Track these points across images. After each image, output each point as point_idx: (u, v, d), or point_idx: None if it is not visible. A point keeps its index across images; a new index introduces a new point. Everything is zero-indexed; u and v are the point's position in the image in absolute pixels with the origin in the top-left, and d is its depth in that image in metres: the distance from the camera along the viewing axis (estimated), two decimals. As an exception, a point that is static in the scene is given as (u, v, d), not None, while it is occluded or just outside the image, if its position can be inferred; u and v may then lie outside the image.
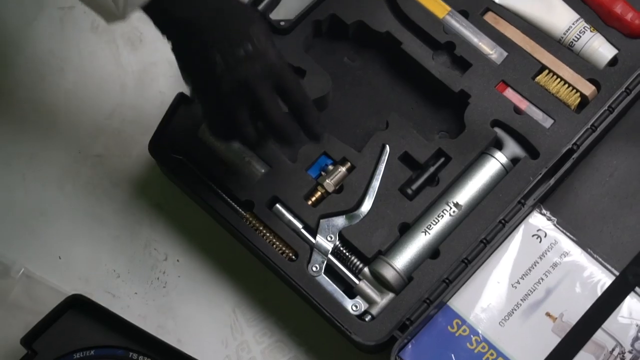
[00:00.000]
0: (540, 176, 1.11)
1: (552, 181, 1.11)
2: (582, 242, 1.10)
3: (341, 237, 1.11)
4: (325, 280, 1.09)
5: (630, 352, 1.05)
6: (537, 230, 1.11)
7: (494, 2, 1.20)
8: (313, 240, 1.10)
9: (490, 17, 1.20)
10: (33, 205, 1.22)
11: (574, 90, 1.15)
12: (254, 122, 1.00)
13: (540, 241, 1.10)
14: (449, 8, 1.19)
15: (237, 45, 0.96)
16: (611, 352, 1.05)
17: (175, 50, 1.00)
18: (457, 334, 1.08)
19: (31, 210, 1.21)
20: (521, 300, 1.08)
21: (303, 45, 1.19)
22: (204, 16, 0.97)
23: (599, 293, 1.08)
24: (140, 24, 1.25)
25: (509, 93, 1.15)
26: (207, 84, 0.98)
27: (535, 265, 1.09)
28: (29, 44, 1.29)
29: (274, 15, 1.21)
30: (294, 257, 1.11)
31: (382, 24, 1.19)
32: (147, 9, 0.96)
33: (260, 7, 1.20)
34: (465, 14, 1.19)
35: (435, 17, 1.19)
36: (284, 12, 1.23)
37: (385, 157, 1.13)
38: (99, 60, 1.27)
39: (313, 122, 1.02)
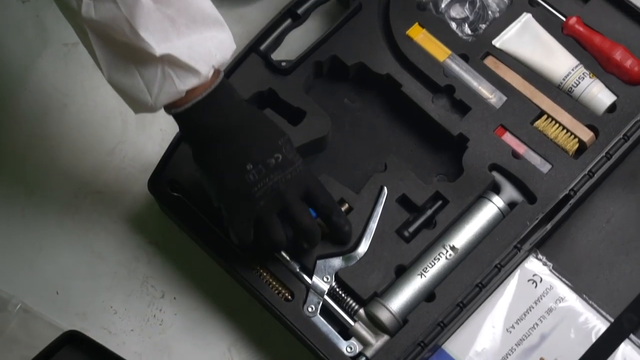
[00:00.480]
0: (537, 221, 1.12)
1: (548, 226, 1.12)
2: (578, 288, 1.11)
3: (337, 278, 1.12)
4: (320, 321, 1.10)
5: (624, 399, 1.06)
6: (533, 275, 1.12)
7: (494, 46, 1.22)
8: (309, 281, 1.12)
9: (490, 62, 1.21)
10: (32, 239, 1.23)
11: (572, 136, 1.16)
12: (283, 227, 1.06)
13: (535, 286, 1.11)
14: (449, 51, 1.21)
15: (268, 155, 1.02)
16: (605, 398, 1.06)
17: (199, 157, 1.05)
18: (451, 378, 1.09)
19: (30, 244, 1.23)
20: (516, 345, 1.09)
21: (304, 85, 1.21)
22: (236, 125, 1.02)
23: (594, 339, 1.08)
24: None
25: (508, 137, 1.17)
26: (238, 191, 1.03)
27: (531, 310, 1.10)
28: (33, 79, 1.31)
29: (276, 56, 1.23)
30: (290, 297, 1.12)
31: (382, 66, 1.21)
32: (177, 114, 1.01)
33: (262, 47, 1.22)
34: (465, 57, 1.21)
35: (435, 60, 1.21)
36: (285, 53, 1.25)
37: (383, 199, 1.14)
38: (101, 96, 1.29)
39: (341, 222, 1.09)
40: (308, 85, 1.23)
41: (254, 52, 1.22)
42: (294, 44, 1.26)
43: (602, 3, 1.24)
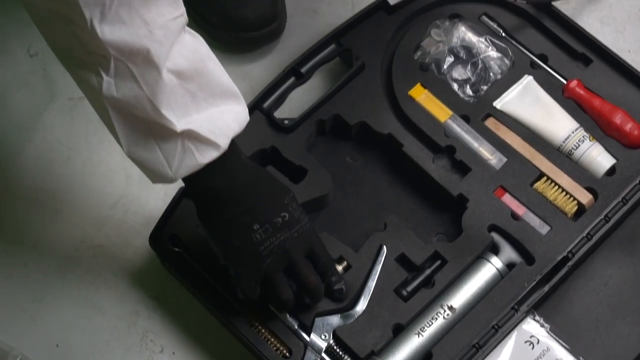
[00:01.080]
0: (534, 283, 1.13)
1: (546, 288, 1.14)
2: (575, 350, 1.12)
3: (335, 336, 1.13)
4: (318, 379, 1.12)
5: None
6: (530, 337, 1.13)
7: (495, 108, 1.24)
8: (307, 338, 1.13)
9: (491, 123, 1.24)
10: (33, 291, 1.25)
11: (572, 198, 1.18)
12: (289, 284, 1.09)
13: (532, 348, 1.13)
14: (451, 112, 1.24)
15: (275, 214, 1.05)
16: None
17: (206, 217, 1.07)
18: None
19: (31, 296, 1.25)
20: (512, 406, 1.10)
21: (306, 143, 1.23)
22: (242, 185, 1.05)
23: (591, 402, 1.10)
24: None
25: (507, 198, 1.19)
26: (244, 251, 1.05)
27: (528, 372, 1.12)
28: (38, 132, 1.34)
29: (279, 113, 1.25)
30: (287, 354, 1.13)
31: (384, 125, 1.24)
32: (188, 182, 1.04)
33: (266, 105, 1.25)
34: (466, 118, 1.24)
35: (437, 121, 1.23)
36: (288, 110, 1.28)
37: (382, 258, 1.16)
38: (105, 150, 1.31)
39: (335, 281, 1.12)
40: (310, 143, 1.25)
41: (257, 109, 1.24)
42: (297, 102, 1.29)
43: (603, 66, 1.27)
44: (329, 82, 1.32)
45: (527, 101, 1.25)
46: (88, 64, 0.94)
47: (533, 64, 1.27)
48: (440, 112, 1.24)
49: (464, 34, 1.28)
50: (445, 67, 1.27)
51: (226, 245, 1.07)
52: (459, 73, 1.28)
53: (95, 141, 1.32)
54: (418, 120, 1.23)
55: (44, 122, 1.35)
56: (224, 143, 1.00)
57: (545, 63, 1.27)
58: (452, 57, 1.27)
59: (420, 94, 1.25)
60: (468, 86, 1.26)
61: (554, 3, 1.30)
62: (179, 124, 0.97)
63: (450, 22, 1.29)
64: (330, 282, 1.11)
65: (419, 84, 1.26)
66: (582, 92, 1.24)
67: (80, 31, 0.91)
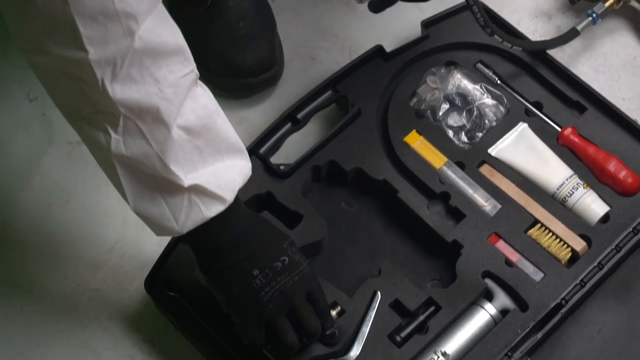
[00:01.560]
0: (528, 329, 1.14)
1: (540, 335, 1.14)
2: (569, 398, 1.13)
3: (329, 381, 1.14)
4: None
5: None
6: (524, 384, 1.14)
7: (490, 154, 1.26)
8: (302, 384, 1.14)
9: (485, 170, 1.26)
10: (29, 335, 1.26)
11: (565, 245, 1.20)
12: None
13: (526, 394, 1.14)
14: (445, 159, 1.26)
15: (274, 259, 1.06)
16: None
17: (206, 265, 1.08)
18: None
19: (27, 340, 1.26)
20: None
21: (301, 189, 1.25)
22: (242, 233, 1.06)
23: None
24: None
25: (501, 245, 1.20)
26: (246, 297, 1.06)
27: (521, 419, 1.12)
28: (37, 176, 1.36)
29: (275, 159, 1.27)
30: (282, 399, 1.14)
31: (379, 171, 1.25)
32: (188, 232, 1.04)
33: (262, 150, 1.27)
34: (461, 165, 1.25)
35: (432, 167, 1.25)
36: (284, 155, 1.29)
37: (376, 304, 1.17)
38: (103, 194, 1.33)
39: (328, 327, 1.12)
40: (306, 188, 1.27)
41: (253, 155, 1.26)
42: (293, 147, 1.30)
43: (597, 114, 1.29)
44: (325, 127, 1.34)
45: (522, 148, 1.26)
46: (96, 121, 0.95)
47: (528, 112, 1.29)
48: (436, 158, 1.26)
49: (460, 81, 1.30)
50: (440, 114, 1.29)
51: (228, 293, 1.08)
52: (455, 120, 1.29)
53: (93, 185, 1.34)
54: (413, 167, 1.25)
55: (43, 166, 1.36)
56: (230, 197, 1.02)
57: (540, 110, 1.29)
58: (448, 104, 1.29)
59: (416, 141, 1.27)
60: (463, 133, 1.28)
61: (548, 51, 1.32)
62: (187, 179, 0.98)
63: (446, 69, 1.31)
64: (324, 327, 1.12)
65: (414, 130, 1.28)
66: (576, 139, 1.26)
67: (89, 90, 0.92)
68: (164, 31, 0.94)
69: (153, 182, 0.99)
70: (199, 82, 1.01)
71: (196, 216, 1.01)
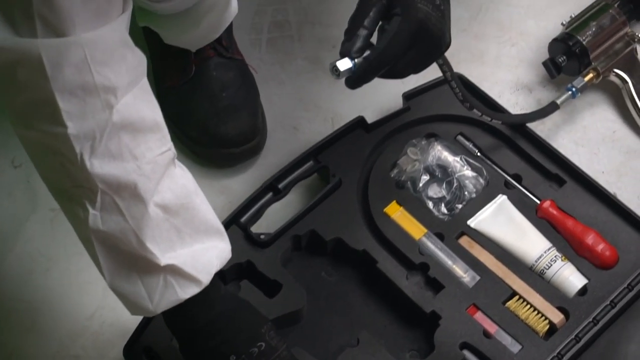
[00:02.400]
0: (505, 401, 1.16)
1: (517, 407, 1.16)
2: None
3: None
4: None
5: None
6: None
7: (469, 226, 1.28)
8: None
9: (465, 241, 1.27)
10: (6, 403, 1.27)
11: (543, 318, 1.21)
12: None
13: None
14: (425, 230, 1.27)
15: (251, 345, 1.06)
16: None
17: (184, 347, 1.09)
18: None
19: (4, 407, 1.27)
20: None
21: (281, 259, 1.27)
22: (220, 316, 1.07)
23: None
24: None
25: (479, 316, 1.22)
26: None
27: None
28: (19, 242, 1.37)
29: (256, 228, 1.29)
30: None
31: (359, 242, 1.27)
32: (166, 312, 1.05)
33: (243, 219, 1.29)
34: (441, 236, 1.27)
35: (411, 238, 1.27)
36: (265, 224, 1.31)
37: (353, 375, 1.18)
38: (84, 261, 1.31)
39: None
40: (286, 258, 1.28)
41: (234, 224, 1.28)
42: (274, 216, 1.32)
43: (576, 187, 1.31)
44: (306, 197, 1.36)
45: (501, 220, 1.28)
46: (75, 196, 0.97)
47: (507, 184, 1.31)
48: (415, 229, 1.28)
49: (440, 153, 1.32)
50: (420, 185, 1.31)
51: None
52: (435, 191, 1.32)
53: (75, 252, 1.35)
54: (393, 237, 1.27)
55: (25, 232, 1.38)
56: (206, 279, 1.03)
57: (520, 183, 1.31)
58: (428, 175, 1.32)
59: (396, 211, 1.29)
60: (443, 204, 1.30)
61: (528, 124, 1.35)
62: (163, 258, 0.99)
63: (426, 141, 1.34)
64: None
65: (394, 201, 1.30)
66: (555, 212, 1.28)
67: (69, 164, 0.94)
68: (143, 106, 0.96)
69: (130, 260, 1.00)
70: (177, 162, 1.03)
71: (171, 297, 1.02)
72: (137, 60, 0.96)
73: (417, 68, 1.15)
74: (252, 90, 1.41)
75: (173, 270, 1.01)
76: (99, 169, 0.94)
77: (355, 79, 1.11)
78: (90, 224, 0.97)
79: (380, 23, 1.11)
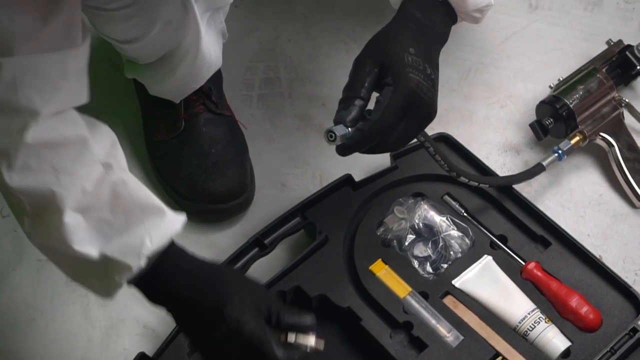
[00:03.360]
0: None
1: None
2: None
3: None
4: None
5: None
6: None
7: (454, 286, 1.29)
8: None
9: (449, 301, 1.28)
10: None
11: (526, 379, 1.22)
12: None
13: None
14: (410, 289, 1.29)
15: (212, 329, 1.06)
16: None
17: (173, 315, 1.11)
18: None
19: None
20: None
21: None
22: (178, 302, 1.08)
23: None
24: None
25: (462, 377, 1.23)
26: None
27: None
28: (5, 292, 1.38)
29: (242, 284, 1.30)
30: None
31: (344, 299, 1.28)
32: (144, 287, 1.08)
33: (235, 268, 1.30)
34: (425, 295, 1.28)
35: (396, 297, 1.28)
36: (258, 272, 1.32)
37: None
38: (69, 312, 1.35)
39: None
40: (271, 313, 1.29)
41: (220, 278, 1.29)
42: (260, 271, 1.33)
43: (561, 249, 1.32)
44: (292, 253, 1.37)
45: (486, 281, 1.29)
46: (15, 207, 1.05)
47: (493, 244, 1.33)
48: (400, 288, 1.29)
49: (426, 212, 1.34)
50: (406, 244, 1.32)
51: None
52: (420, 250, 1.33)
53: (60, 302, 1.36)
54: (377, 295, 1.28)
55: (11, 282, 1.39)
56: (135, 263, 1.04)
57: (505, 244, 1.33)
58: (414, 234, 1.33)
59: (381, 270, 1.30)
60: (428, 264, 1.31)
61: (515, 186, 1.37)
62: (96, 252, 1.04)
63: (413, 200, 1.35)
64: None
65: (380, 259, 1.31)
66: (539, 274, 1.29)
67: (1, 178, 1.00)
68: (64, 127, 1.01)
69: (73, 260, 1.05)
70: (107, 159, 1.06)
71: (113, 285, 1.06)
72: (73, 96, 1.03)
73: (411, 137, 1.16)
74: (241, 146, 1.43)
75: (107, 260, 1.04)
76: (18, 182, 1.00)
77: (347, 148, 1.13)
78: (29, 236, 1.05)
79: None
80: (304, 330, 1.10)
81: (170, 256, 1.08)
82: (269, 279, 1.29)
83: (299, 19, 1.64)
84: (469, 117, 1.52)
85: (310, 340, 1.10)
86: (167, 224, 1.07)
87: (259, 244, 1.33)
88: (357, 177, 1.38)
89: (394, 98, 1.09)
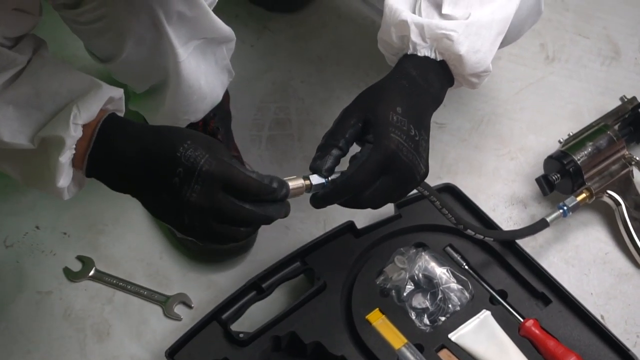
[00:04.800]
0: None
1: None
2: None
3: None
4: None
5: None
6: None
7: (450, 339, 1.29)
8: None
9: (444, 354, 1.28)
10: None
11: None
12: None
13: None
14: (405, 340, 1.28)
15: (170, 174, 1.03)
16: None
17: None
18: None
19: None
20: None
21: (260, 358, 1.28)
22: (130, 162, 1.06)
23: None
24: (111, 317, 1.37)
25: None
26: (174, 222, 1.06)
27: None
28: (3, 322, 1.39)
29: (236, 326, 1.30)
30: None
31: (338, 347, 1.28)
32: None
33: (224, 316, 1.30)
34: (420, 347, 1.28)
35: (390, 348, 1.28)
36: (249, 322, 1.33)
37: None
38: (65, 346, 1.36)
39: (275, 199, 1.07)
40: (265, 358, 1.29)
41: (215, 320, 1.30)
42: (257, 314, 1.34)
43: (562, 308, 1.32)
44: (290, 297, 1.37)
45: (483, 336, 1.29)
46: None
47: (492, 299, 1.32)
48: (396, 339, 1.29)
49: (427, 263, 1.34)
50: (405, 294, 1.32)
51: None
52: (419, 301, 1.33)
53: (57, 336, 1.37)
54: (372, 345, 1.28)
55: (10, 313, 1.40)
56: (68, 134, 1.05)
57: (505, 299, 1.32)
58: (413, 285, 1.33)
59: (378, 319, 1.30)
60: (426, 315, 1.31)
61: (519, 240, 1.37)
62: (25, 140, 1.06)
63: (415, 250, 1.35)
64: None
65: (377, 309, 1.31)
66: (537, 332, 1.29)
67: None
68: None
69: (14, 157, 1.08)
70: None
71: (56, 167, 1.06)
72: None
73: (390, 198, 1.14)
74: (246, 187, 1.44)
75: (43, 143, 1.06)
76: None
77: (319, 199, 1.12)
78: None
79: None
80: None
81: (115, 124, 1.08)
82: (264, 322, 1.30)
83: (313, 61, 1.65)
84: (478, 168, 1.53)
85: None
86: (99, 94, 1.08)
87: (257, 287, 1.33)
88: (361, 224, 1.38)
89: (371, 156, 1.09)
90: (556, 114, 1.59)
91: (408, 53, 1.16)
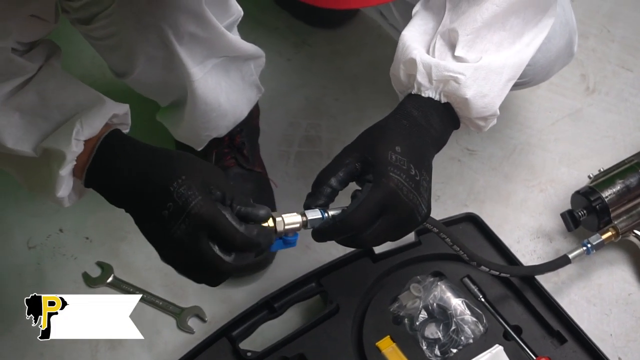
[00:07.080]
0: None
1: None
2: None
3: None
4: None
5: None
6: None
7: (459, 373, 1.28)
8: None
9: (452, 388, 1.28)
10: None
11: None
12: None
13: None
14: (411, 370, 1.28)
15: (161, 207, 1.04)
16: None
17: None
18: None
19: None
20: None
21: (265, 379, 1.29)
22: (123, 187, 1.07)
23: None
24: (125, 325, 1.38)
25: None
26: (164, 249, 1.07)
27: None
28: (18, 323, 1.40)
29: (246, 344, 1.31)
30: None
31: (346, 371, 1.28)
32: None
33: (234, 333, 1.31)
34: (427, 380, 1.28)
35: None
36: (261, 340, 1.33)
37: None
38: (77, 352, 1.38)
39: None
40: (272, 379, 1.30)
41: (225, 336, 1.30)
42: (268, 332, 1.34)
43: (577, 348, 1.30)
44: (303, 317, 1.37)
45: (493, 371, 1.28)
46: None
47: (506, 334, 1.31)
48: (400, 363, 1.29)
49: (443, 293, 1.33)
50: (417, 323, 1.31)
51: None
52: (431, 331, 1.32)
53: (70, 341, 1.38)
54: (377, 371, 1.28)
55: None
56: (69, 149, 1.07)
57: (519, 335, 1.31)
58: (427, 314, 1.32)
59: (388, 347, 1.30)
60: (437, 347, 1.30)
61: (539, 276, 1.35)
62: (28, 148, 1.09)
63: (431, 279, 1.34)
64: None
65: (388, 336, 1.30)
66: (548, 371, 1.27)
67: None
68: None
69: (18, 162, 1.11)
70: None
71: (56, 179, 1.08)
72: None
73: (391, 237, 1.13)
74: (268, 204, 1.43)
75: (45, 154, 1.09)
76: None
77: (319, 234, 1.11)
78: None
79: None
80: (257, 221, 1.07)
81: (115, 142, 1.09)
82: (274, 342, 1.30)
83: (349, 79, 1.65)
84: (506, 197, 1.51)
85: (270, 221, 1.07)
86: (102, 110, 1.10)
87: (269, 306, 1.34)
88: (379, 249, 1.38)
89: (371, 194, 1.08)
90: (591, 147, 1.57)
91: (412, 92, 1.14)
